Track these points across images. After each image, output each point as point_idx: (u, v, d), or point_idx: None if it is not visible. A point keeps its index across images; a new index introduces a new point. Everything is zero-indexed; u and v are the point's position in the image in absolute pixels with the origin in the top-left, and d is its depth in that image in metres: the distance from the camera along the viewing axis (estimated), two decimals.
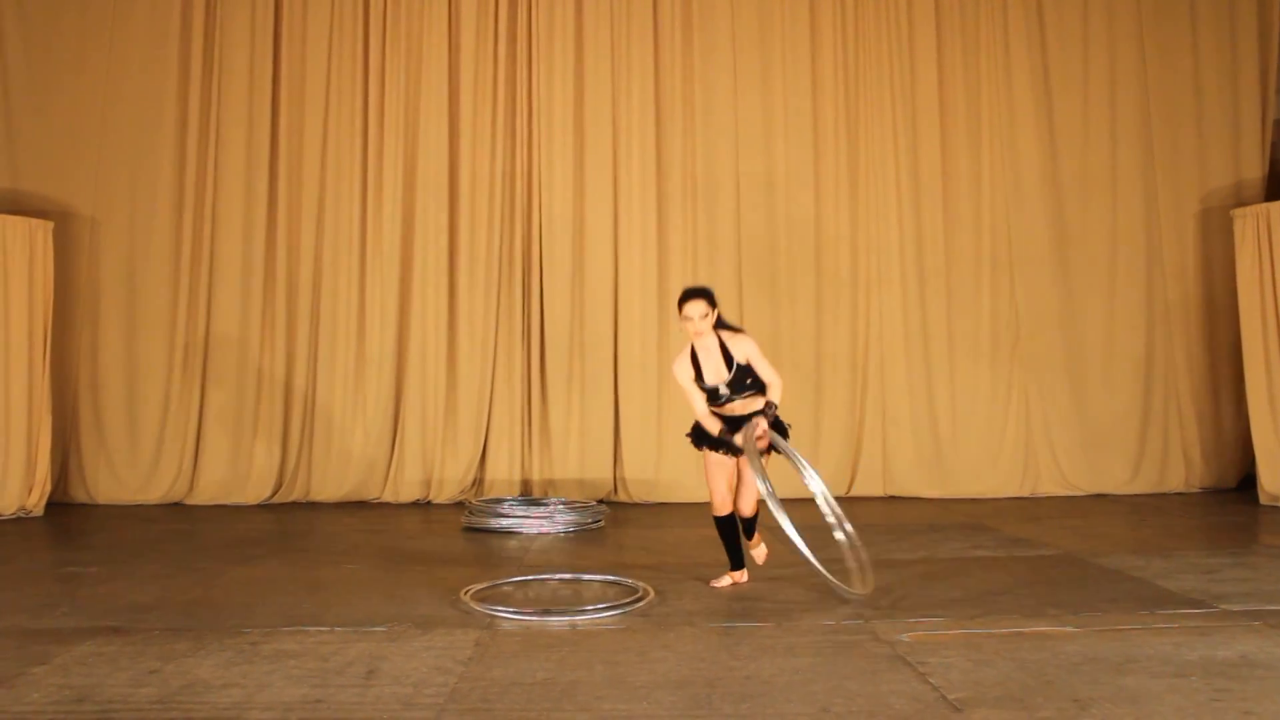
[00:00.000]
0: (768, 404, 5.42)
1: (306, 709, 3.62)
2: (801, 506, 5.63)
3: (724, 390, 5.40)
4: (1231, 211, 9.42)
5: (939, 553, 6.72)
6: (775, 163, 9.73)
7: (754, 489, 5.59)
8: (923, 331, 9.69)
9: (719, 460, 5.61)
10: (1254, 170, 9.89)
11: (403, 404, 9.42)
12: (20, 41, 9.42)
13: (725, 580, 5.72)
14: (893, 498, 9.52)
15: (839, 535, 5.33)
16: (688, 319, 5.36)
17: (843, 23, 9.87)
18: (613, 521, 8.16)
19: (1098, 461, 9.65)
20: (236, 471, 9.29)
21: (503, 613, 4.97)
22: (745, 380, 5.41)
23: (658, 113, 9.70)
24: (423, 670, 4.06)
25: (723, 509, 5.68)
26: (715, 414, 5.49)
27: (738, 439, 5.34)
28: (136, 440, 9.32)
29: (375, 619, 4.89)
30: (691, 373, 5.46)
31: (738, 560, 5.76)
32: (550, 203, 9.56)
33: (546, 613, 5.01)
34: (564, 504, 8.26)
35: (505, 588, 5.66)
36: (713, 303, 5.42)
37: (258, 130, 9.52)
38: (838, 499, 9.44)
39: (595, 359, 9.46)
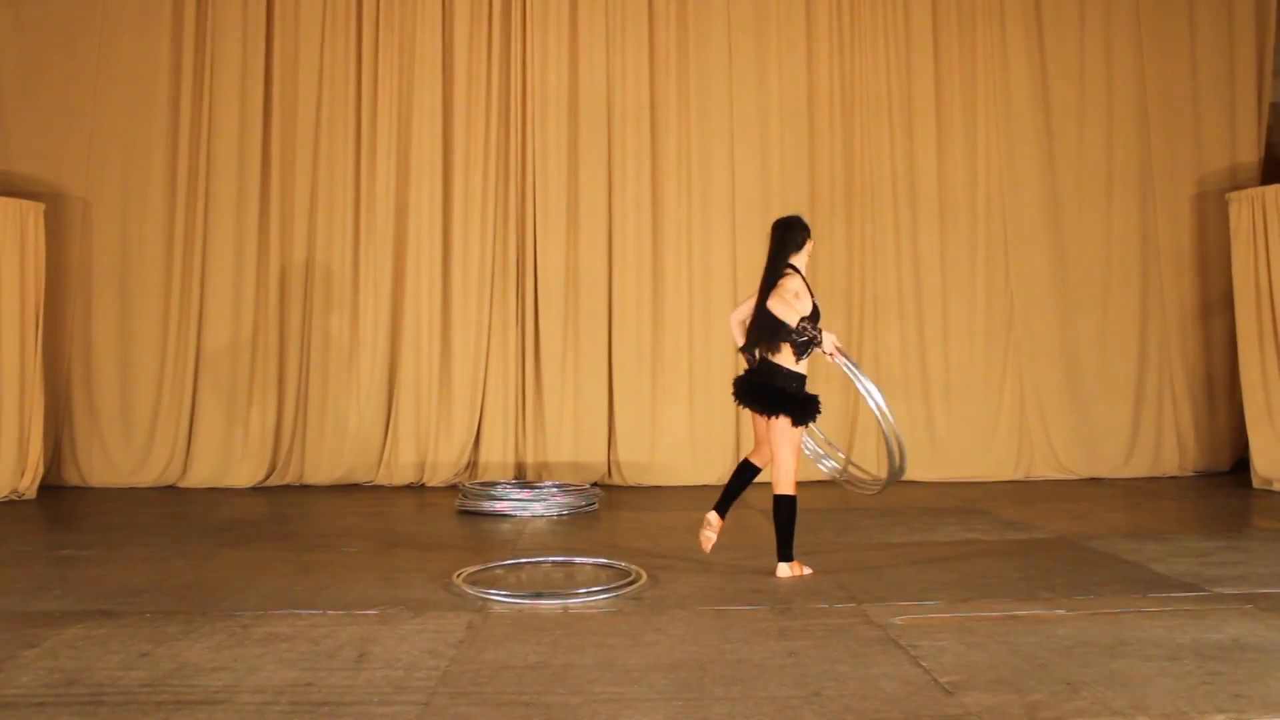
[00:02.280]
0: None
1: (297, 692, 3.61)
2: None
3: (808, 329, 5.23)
4: (1227, 195, 9.40)
5: (932, 536, 6.73)
6: (770, 147, 9.68)
7: (778, 457, 5.35)
8: (917, 315, 9.67)
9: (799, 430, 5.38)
10: (1250, 154, 9.86)
11: (396, 386, 9.39)
12: (11, 22, 9.35)
13: (804, 570, 5.49)
14: None
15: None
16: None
17: (838, 8, 9.82)
18: (606, 504, 8.16)
19: (1092, 445, 9.66)
20: (230, 454, 9.27)
21: (495, 596, 4.97)
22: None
23: (652, 98, 9.64)
24: (414, 653, 4.05)
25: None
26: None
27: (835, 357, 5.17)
28: (130, 423, 9.30)
29: (367, 602, 4.89)
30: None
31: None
32: (545, 187, 9.52)
33: (539, 596, 5.00)
34: (558, 487, 8.26)
35: (498, 571, 5.66)
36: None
37: (250, 109, 9.46)
38: (831, 481, 9.49)
39: (590, 342, 9.44)
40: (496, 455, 9.35)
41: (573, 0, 9.62)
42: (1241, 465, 9.43)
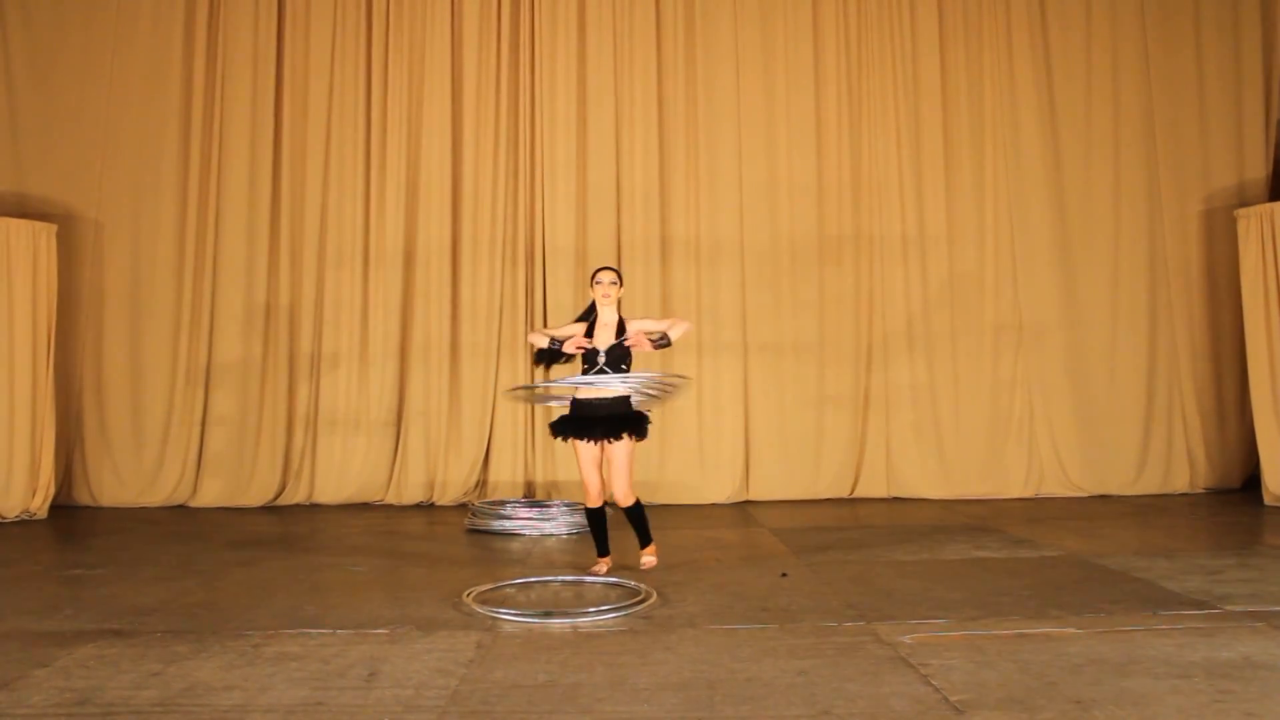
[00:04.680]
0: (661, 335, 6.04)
1: (308, 712, 3.61)
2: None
3: (603, 357, 5.92)
4: (1235, 211, 9.40)
5: (942, 554, 6.71)
6: (778, 162, 9.74)
7: (623, 474, 5.98)
8: (926, 332, 9.68)
9: (584, 448, 6.00)
10: (1258, 170, 9.87)
11: (406, 406, 9.43)
12: (25, 45, 9.46)
13: (600, 567, 6.17)
14: (896, 499, 9.51)
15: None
16: (598, 283, 6.09)
17: (845, 24, 9.87)
18: (615, 523, 8.11)
19: (1102, 462, 9.63)
20: (240, 474, 9.31)
21: (505, 615, 4.97)
22: (621, 358, 5.95)
23: (660, 110, 9.72)
24: (424, 672, 4.05)
25: (593, 502, 6.14)
26: (575, 403, 5.99)
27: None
28: (140, 443, 9.34)
29: (377, 621, 4.89)
30: (582, 328, 6.04)
31: (603, 548, 6.25)
32: (554, 205, 9.58)
33: (548, 615, 5.00)
34: (567, 506, 8.25)
35: (507, 590, 5.66)
36: (620, 280, 6.21)
37: (261, 132, 9.55)
38: (841, 499, 9.50)
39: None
40: (506, 474, 9.37)
41: (580, 26, 9.70)
42: (1253, 482, 9.39)
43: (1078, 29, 9.95)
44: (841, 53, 9.85)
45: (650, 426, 6.10)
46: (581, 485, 6.21)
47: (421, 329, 9.47)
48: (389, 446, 9.43)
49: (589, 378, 5.87)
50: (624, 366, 5.97)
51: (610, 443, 5.93)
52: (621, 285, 6.20)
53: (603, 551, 6.24)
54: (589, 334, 6.02)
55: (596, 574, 6.08)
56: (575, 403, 6.02)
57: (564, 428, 6.02)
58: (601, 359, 5.94)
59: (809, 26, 9.84)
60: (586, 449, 6.00)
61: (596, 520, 6.21)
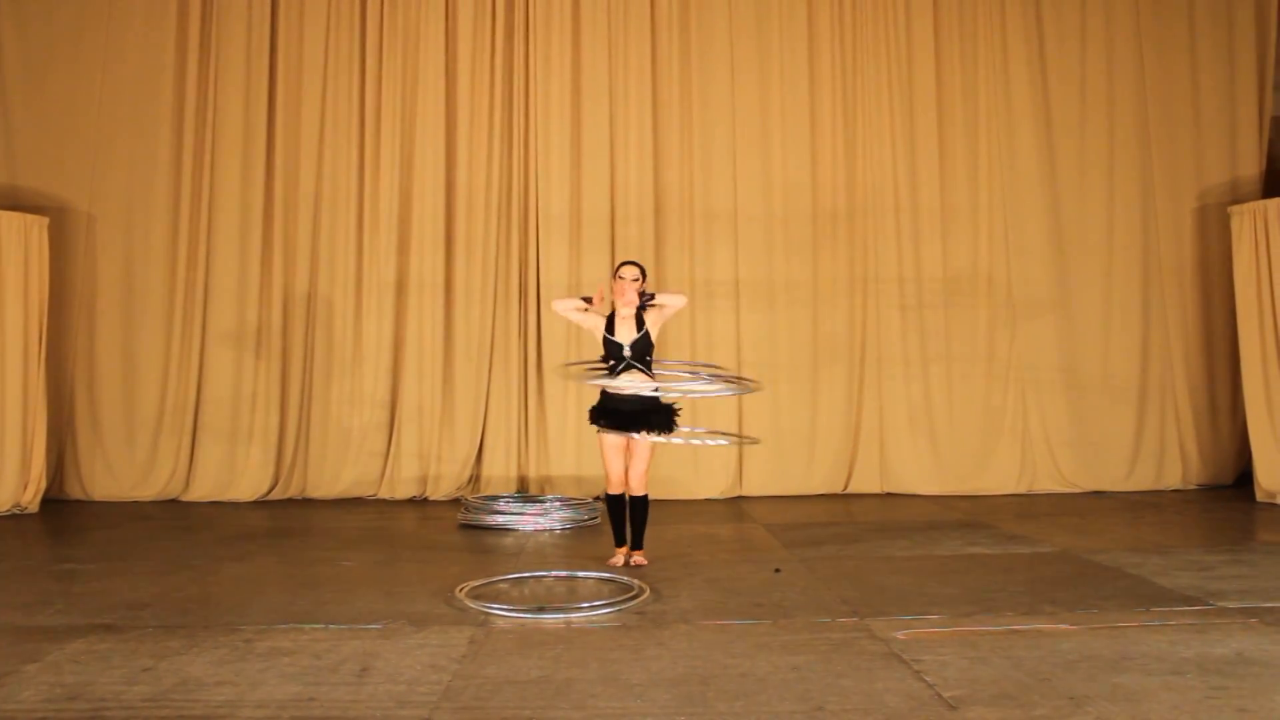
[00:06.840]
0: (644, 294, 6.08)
1: (299, 707, 3.60)
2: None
3: (628, 351, 5.98)
4: (1229, 208, 9.42)
5: (935, 550, 6.71)
6: (772, 162, 9.72)
7: (643, 464, 6.06)
8: (919, 328, 9.68)
9: (610, 440, 6.09)
10: (1251, 167, 9.88)
11: (399, 401, 9.40)
12: (16, 37, 9.41)
13: (617, 559, 6.20)
14: (889, 495, 9.52)
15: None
16: (620, 279, 6.06)
17: (840, 22, 9.85)
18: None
19: (1094, 458, 9.65)
20: (233, 468, 9.28)
21: (497, 610, 4.96)
22: (646, 350, 6.00)
23: (654, 107, 9.70)
24: (416, 668, 4.04)
25: (614, 488, 6.20)
26: (605, 393, 6.05)
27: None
28: (132, 437, 9.31)
29: (369, 616, 4.88)
30: (603, 323, 6.08)
31: (620, 538, 6.26)
32: (548, 199, 9.55)
33: (541, 610, 4.99)
34: (560, 501, 8.25)
35: (500, 585, 5.65)
36: (644, 275, 6.14)
37: (254, 125, 9.51)
38: (834, 495, 9.49)
39: (592, 355, 9.43)
40: (499, 469, 9.35)
41: (575, 33, 9.67)
42: (1245, 479, 9.41)
43: (1072, 25, 9.94)
44: (836, 51, 9.83)
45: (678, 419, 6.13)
46: (604, 472, 6.23)
47: (415, 324, 9.45)
48: (382, 441, 9.41)
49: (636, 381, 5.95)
50: (648, 358, 6.03)
51: (636, 436, 6.00)
52: (644, 280, 6.14)
53: (620, 541, 6.25)
54: (609, 328, 6.05)
55: (614, 565, 6.10)
56: (605, 394, 6.05)
57: (598, 417, 6.06)
58: (627, 353, 5.98)
59: (804, 25, 9.81)
60: (612, 437, 6.05)
61: (616, 508, 6.24)
